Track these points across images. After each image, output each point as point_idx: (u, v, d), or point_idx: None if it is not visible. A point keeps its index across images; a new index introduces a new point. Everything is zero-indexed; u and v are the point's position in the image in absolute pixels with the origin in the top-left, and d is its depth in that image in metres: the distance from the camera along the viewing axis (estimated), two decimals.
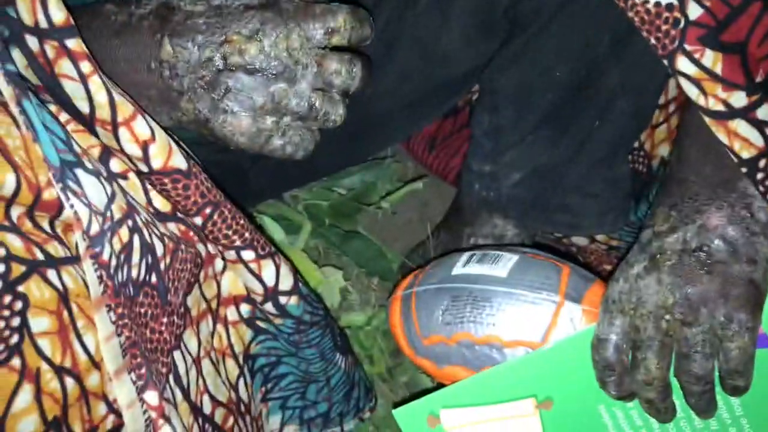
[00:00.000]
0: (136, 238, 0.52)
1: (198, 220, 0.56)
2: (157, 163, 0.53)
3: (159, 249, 0.54)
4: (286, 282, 0.62)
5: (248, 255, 0.59)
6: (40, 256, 0.46)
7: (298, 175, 0.89)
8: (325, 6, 0.54)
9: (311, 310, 0.65)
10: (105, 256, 0.49)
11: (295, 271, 0.64)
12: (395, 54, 0.76)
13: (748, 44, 0.54)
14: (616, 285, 0.57)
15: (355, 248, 0.97)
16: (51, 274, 0.46)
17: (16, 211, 0.45)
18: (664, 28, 0.54)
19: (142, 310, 0.52)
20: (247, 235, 0.59)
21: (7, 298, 0.44)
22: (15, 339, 0.44)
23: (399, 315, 0.67)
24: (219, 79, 0.53)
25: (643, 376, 0.55)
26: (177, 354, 0.56)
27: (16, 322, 0.44)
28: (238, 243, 0.58)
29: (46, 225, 0.47)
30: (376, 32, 0.75)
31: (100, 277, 0.48)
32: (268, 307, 0.63)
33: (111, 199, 0.50)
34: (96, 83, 0.50)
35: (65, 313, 0.46)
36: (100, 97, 0.50)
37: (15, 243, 0.45)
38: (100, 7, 0.54)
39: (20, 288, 0.44)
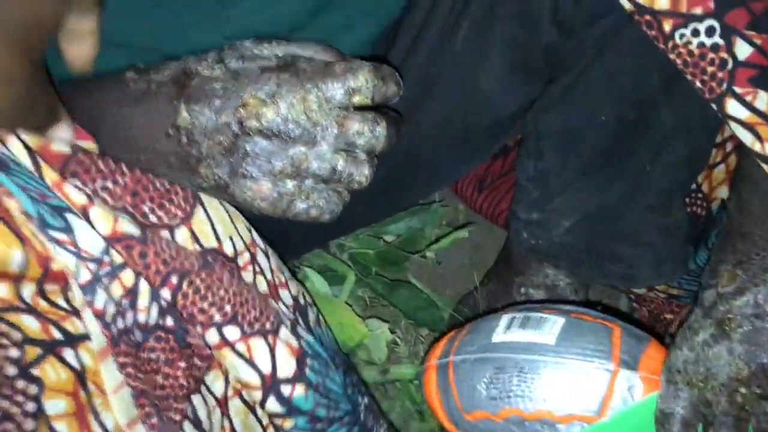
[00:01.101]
0: (142, 282, 0.50)
1: (165, 293, 0.51)
2: (102, 229, 0.49)
3: None
4: (287, 367, 0.54)
5: (232, 333, 0.53)
6: (57, 335, 0.45)
7: (340, 225, 0.87)
8: (345, 65, 0.52)
9: (326, 402, 0.57)
10: (98, 305, 0.47)
11: (300, 355, 0.56)
12: (433, 97, 0.74)
13: None
14: (680, 353, 0.53)
15: (403, 298, 0.94)
16: (68, 353, 0.45)
17: (27, 290, 0.44)
18: (710, 70, 0.51)
19: (154, 356, 0.50)
20: (227, 308, 0.53)
21: (22, 383, 0.43)
22: (30, 425, 0.42)
23: (435, 386, 0.63)
24: (237, 144, 0.51)
25: None
26: (196, 398, 0.53)
27: (31, 407, 0.43)
28: (217, 318, 0.52)
29: (60, 300, 0.46)
30: (413, 76, 0.73)
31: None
32: (271, 404, 0.55)
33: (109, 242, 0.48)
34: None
35: (82, 393, 0.45)
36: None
37: (32, 325, 0.44)
38: (121, 74, 0.54)
39: (35, 372, 0.43)
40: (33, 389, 0.43)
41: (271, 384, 0.54)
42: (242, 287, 0.54)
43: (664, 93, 0.65)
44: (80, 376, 0.45)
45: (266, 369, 0.53)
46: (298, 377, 0.55)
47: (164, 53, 0.62)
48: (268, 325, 0.54)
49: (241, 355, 0.53)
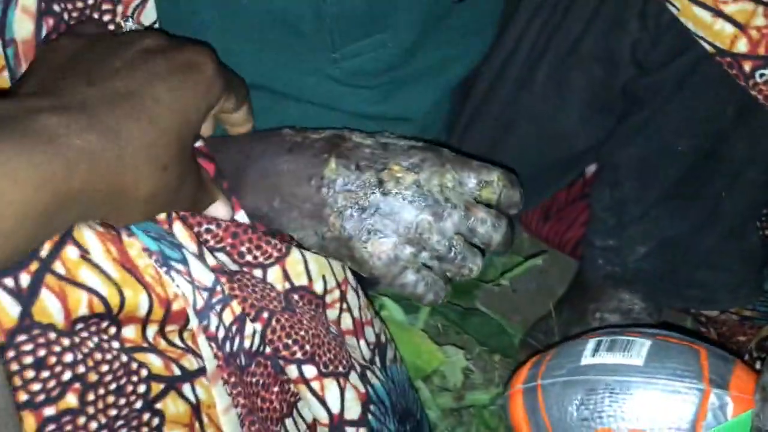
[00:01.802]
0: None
1: (258, 326, 0.54)
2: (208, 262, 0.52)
3: None
4: (353, 410, 0.56)
5: (310, 371, 0.55)
6: (177, 371, 0.48)
7: None
8: (482, 162, 0.56)
9: None
10: (212, 328, 0.50)
11: (366, 400, 0.58)
12: (512, 134, 0.77)
13: None
14: None
15: (475, 325, 0.97)
16: (186, 388, 0.48)
17: (151, 331, 0.48)
18: None
19: (254, 380, 0.53)
20: (307, 347, 0.55)
21: (146, 416, 0.46)
22: None
23: (523, 410, 0.64)
24: (371, 201, 0.55)
25: None
26: (289, 421, 0.57)
27: None
28: (298, 356, 0.55)
29: (177, 339, 0.49)
30: (493, 115, 0.77)
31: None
32: None
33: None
34: None
35: (197, 425, 0.48)
36: None
37: (156, 362, 0.47)
38: (279, 129, 0.59)
39: (158, 405, 0.47)
40: (155, 421, 0.46)
41: (338, 423, 0.56)
42: (320, 329, 0.56)
43: (739, 124, 0.68)
44: (196, 408, 0.48)
45: (335, 409, 0.56)
46: (362, 422, 0.57)
47: (275, 91, 0.66)
48: (340, 368, 0.56)
49: (314, 393, 0.55)
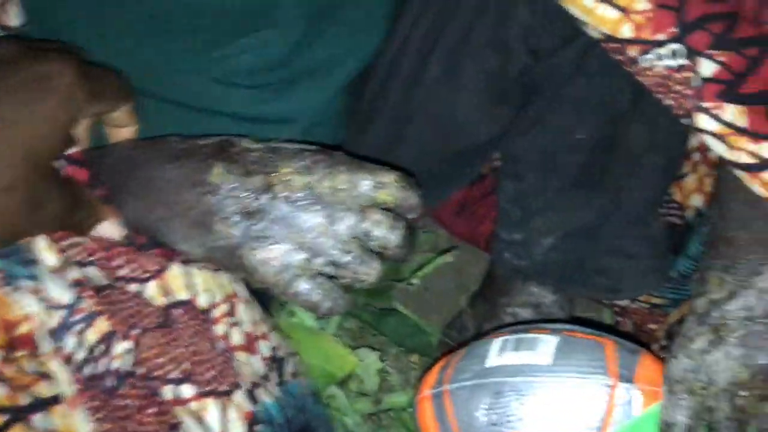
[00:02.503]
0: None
1: (128, 345, 0.51)
2: (72, 276, 0.49)
3: None
4: (236, 431, 0.53)
5: (187, 391, 0.52)
6: (25, 400, 0.44)
7: None
8: (378, 165, 0.53)
9: None
10: (69, 349, 0.47)
11: (252, 420, 0.55)
12: (410, 130, 0.75)
13: None
14: (678, 363, 0.53)
15: (391, 326, 0.95)
16: (37, 418, 0.44)
17: None
18: (677, 88, 0.53)
19: (125, 403, 0.50)
20: (184, 365, 0.52)
21: None
22: None
23: (432, 418, 0.61)
24: (259, 206, 0.52)
25: None
26: None
27: None
28: (173, 375, 0.52)
29: (29, 364, 0.45)
30: (389, 109, 0.75)
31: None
32: None
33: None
34: None
35: None
36: None
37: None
38: (165, 136, 0.55)
39: None
40: None
41: None
42: (202, 346, 0.53)
43: (636, 110, 0.67)
44: None
45: (216, 430, 0.53)
46: None
47: (156, 96, 0.63)
48: (223, 387, 0.53)
49: (193, 414, 0.52)
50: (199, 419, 0.52)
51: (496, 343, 0.61)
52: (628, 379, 0.56)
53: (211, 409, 0.53)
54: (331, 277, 0.55)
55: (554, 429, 0.56)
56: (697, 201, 0.75)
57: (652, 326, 0.83)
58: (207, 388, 0.53)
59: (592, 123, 0.68)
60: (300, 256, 0.52)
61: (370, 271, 0.53)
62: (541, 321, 0.78)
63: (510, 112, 0.73)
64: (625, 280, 0.74)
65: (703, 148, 0.74)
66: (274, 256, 0.52)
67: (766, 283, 0.51)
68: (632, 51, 0.53)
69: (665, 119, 0.67)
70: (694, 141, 0.72)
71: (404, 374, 0.92)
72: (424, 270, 0.98)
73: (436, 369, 0.64)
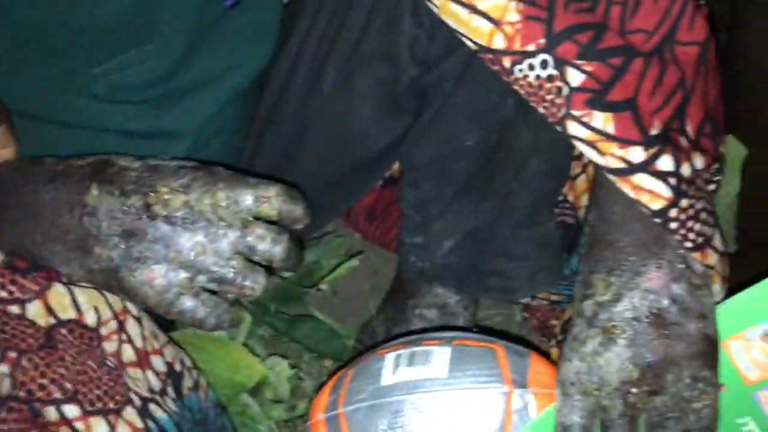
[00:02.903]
0: None
1: (4, 368, 0.50)
2: None
3: None
4: None
5: (71, 411, 0.50)
6: None
7: None
8: (259, 179, 0.53)
9: None
10: None
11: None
12: (308, 140, 0.75)
13: (638, 99, 0.54)
14: (571, 365, 0.54)
15: (305, 332, 0.94)
16: None
17: None
18: (548, 97, 0.54)
19: (6, 428, 0.49)
20: (67, 385, 0.51)
21: None
22: None
23: None
24: (138, 227, 0.51)
25: None
26: None
27: None
28: (57, 395, 0.50)
29: None
30: (286, 123, 0.74)
31: None
32: None
33: None
34: None
35: None
36: None
37: None
38: (43, 157, 0.54)
39: None
40: None
41: None
42: (87, 365, 0.52)
43: (521, 114, 0.68)
44: None
45: None
46: None
47: (37, 116, 0.61)
48: (111, 404, 0.53)
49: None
50: None
51: (389, 359, 0.59)
52: (521, 384, 0.56)
53: (98, 427, 0.52)
54: (216, 293, 0.54)
55: None
56: (588, 200, 0.76)
57: (554, 322, 0.85)
58: (94, 407, 0.52)
59: (480, 129, 0.69)
60: (182, 275, 0.52)
61: (255, 285, 0.53)
62: (432, 329, 0.78)
63: (405, 121, 0.74)
64: (518, 280, 0.75)
65: None
66: (154, 276, 0.51)
67: (649, 284, 0.53)
68: (506, 61, 0.54)
69: (549, 125, 0.68)
70: None
71: (318, 380, 0.92)
72: (333, 275, 0.98)
73: (326, 391, 0.62)
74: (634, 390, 0.52)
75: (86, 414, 0.51)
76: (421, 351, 0.59)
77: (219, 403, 0.68)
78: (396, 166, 0.94)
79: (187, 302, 0.52)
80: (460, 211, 0.74)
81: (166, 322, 0.77)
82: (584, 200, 0.77)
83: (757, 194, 0.88)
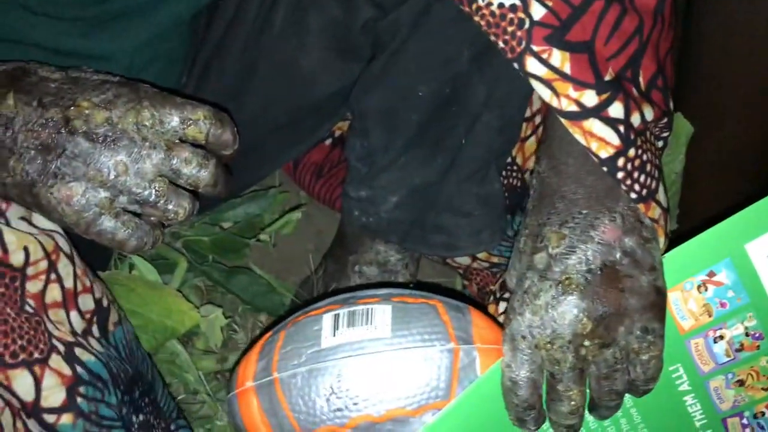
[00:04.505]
0: None
1: None
2: None
3: None
4: (54, 398, 0.49)
5: None
6: None
7: None
8: (186, 100, 0.50)
9: (97, 429, 0.52)
10: None
11: (73, 383, 0.51)
12: (255, 79, 0.70)
13: (595, 43, 0.52)
14: (522, 319, 0.51)
15: (242, 284, 0.90)
16: None
17: None
18: (510, 29, 0.50)
19: None
20: None
21: None
22: None
23: (259, 411, 0.54)
24: (56, 141, 0.47)
25: (567, 407, 0.51)
26: None
27: None
28: None
29: None
30: (232, 60, 0.70)
31: None
32: (32, 426, 0.49)
33: None
34: None
35: None
36: None
37: None
38: None
39: None
40: None
41: (32, 409, 0.49)
42: (9, 313, 0.48)
43: (475, 68, 0.64)
44: None
45: (28, 398, 0.49)
46: (67, 407, 0.50)
47: None
48: (36, 354, 0.49)
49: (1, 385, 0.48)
50: (8, 387, 0.47)
51: (327, 319, 0.55)
52: (466, 341, 0.53)
53: (20, 379, 0.48)
54: (138, 215, 0.51)
55: (401, 403, 0.52)
56: (537, 152, 0.73)
57: (493, 287, 0.82)
58: (17, 359, 0.48)
59: (433, 80, 0.65)
60: (102, 195, 0.48)
61: (179, 210, 0.50)
62: (363, 287, 0.73)
63: (356, 67, 0.70)
64: (461, 237, 0.72)
65: (544, 111, 0.73)
66: (72, 194, 0.48)
67: (602, 236, 0.50)
68: None
69: (504, 80, 0.65)
70: (536, 103, 0.70)
71: (251, 332, 0.88)
72: (274, 226, 0.94)
73: (252, 357, 0.56)
74: (586, 343, 0.50)
75: (6, 366, 0.47)
76: (361, 310, 0.55)
77: (137, 337, 0.63)
78: (346, 125, 0.90)
79: (107, 223, 0.49)
80: (408, 165, 0.70)
81: (99, 261, 0.72)
82: (532, 162, 0.74)
83: (699, 173, 0.86)
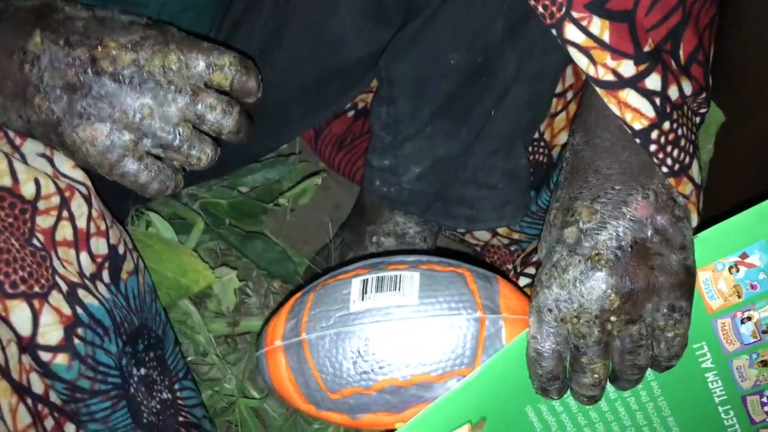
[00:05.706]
0: None
1: None
2: None
3: None
4: (51, 336, 0.48)
5: None
6: None
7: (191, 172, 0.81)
8: (213, 44, 0.49)
9: (93, 374, 0.51)
10: None
11: (71, 323, 0.49)
12: (284, 39, 0.69)
13: (636, 13, 0.49)
14: (550, 292, 0.50)
15: (257, 250, 0.88)
16: None
17: None
18: None
19: None
20: None
21: None
22: None
23: (287, 370, 0.54)
24: (82, 81, 0.47)
25: (590, 379, 0.51)
26: None
27: None
28: None
29: None
30: (262, 21, 0.68)
31: None
32: (26, 360, 0.48)
33: None
34: None
35: None
36: None
37: None
38: None
39: None
40: None
41: (27, 345, 0.48)
42: (12, 243, 0.47)
43: (508, 40, 0.62)
44: None
45: (25, 332, 0.47)
46: (63, 347, 0.49)
47: None
48: (36, 288, 0.48)
49: None
50: (4, 318, 0.46)
51: (355, 284, 0.54)
52: (493, 310, 0.52)
53: (18, 311, 0.47)
54: (161, 159, 0.50)
55: (426, 369, 0.51)
56: (564, 139, 0.72)
57: (509, 267, 0.80)
58: (16, 290, 0.47)
59: (465, 50, 0.63)
60: (126, 137, 0.48)
61: (202, 156, 0.50)
62: (394, 252, 0.73)
63: (387, 33, 0.68)
64: (484, 210, 0.70)
65: (576, 88, 0.71)
66: (98, 135, 0.47)
67: (634, 213, 0.49)
68: None
69: (536, 54, 0.63)
70: (568, 79, 0.69)
71: (264, 298, 0.86)
72: (294, 191, 0.92)
73: (282, 317, 0.56)
74: (612, 318, 0.49)
75: (5, 296, 0.46)
76: (390, 276, 0.54)
77: (154, 288, 0.62)
78: (369, 97, 0.89)
79: (130, 165, 0.48)
80: (434, 135, 0.68)
81: (117, 213, 0.71)
82: (561, 139, 0.72)
83: (729, 162, 0.84)
